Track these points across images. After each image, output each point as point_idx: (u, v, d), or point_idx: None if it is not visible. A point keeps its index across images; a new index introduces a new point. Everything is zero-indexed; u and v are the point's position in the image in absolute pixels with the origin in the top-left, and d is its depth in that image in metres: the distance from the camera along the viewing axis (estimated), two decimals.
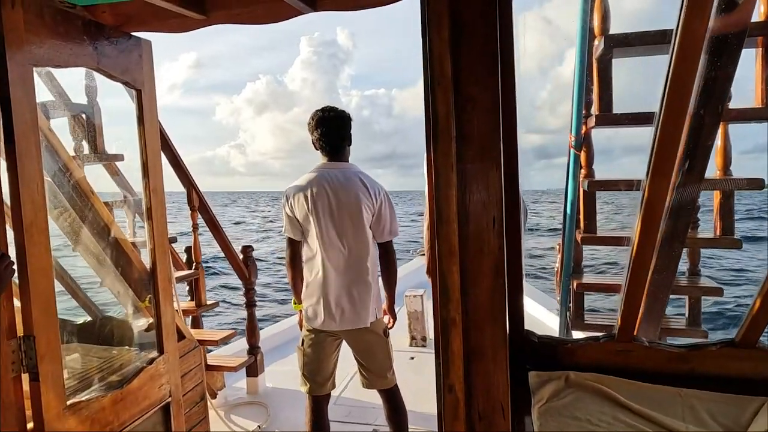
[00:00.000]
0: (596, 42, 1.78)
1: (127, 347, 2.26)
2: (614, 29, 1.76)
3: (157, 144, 2.13)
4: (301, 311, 2.39)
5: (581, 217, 2.14)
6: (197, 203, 3.01)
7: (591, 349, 1.41)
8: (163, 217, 2.13)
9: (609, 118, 1.79)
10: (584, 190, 2.07)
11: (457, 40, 0.96)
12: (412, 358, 3.85)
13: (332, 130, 2.27)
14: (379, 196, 2.26)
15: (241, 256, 3.38)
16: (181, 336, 2.42)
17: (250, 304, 3.41)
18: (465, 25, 0.96)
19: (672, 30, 1.12)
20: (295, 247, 2.33)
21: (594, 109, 1.89)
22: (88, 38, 1.80)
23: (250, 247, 3.40)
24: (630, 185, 1.73)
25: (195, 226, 3.04)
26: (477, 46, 0.95)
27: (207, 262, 12.34)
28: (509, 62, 1.02)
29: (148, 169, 2.06)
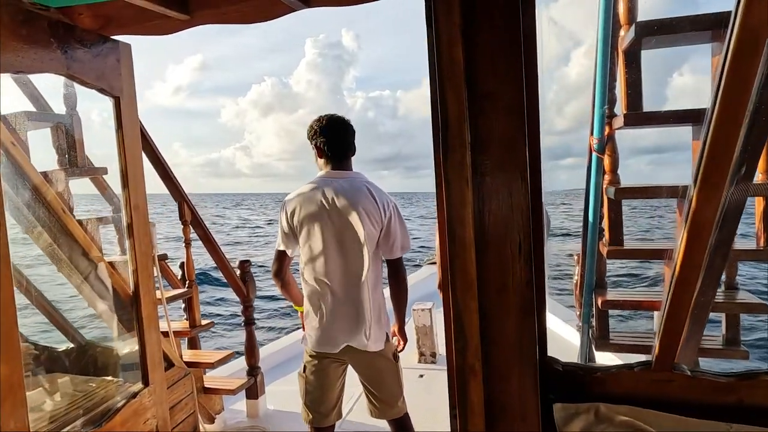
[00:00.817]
0: (622, 32, 1.59)
1: (111, 377, 2.08)
2: None
3: (138, 155, 1.95)
4: (302, 312, 2.20)
5: (606, 226, 1.94)
6: (189, 217, 2.83)
7: (624, 377, 1.21)
8: (147, 236, 1.95)
9: (641, 117, 1.59)
10: (609, 198, 1.86)
11: (470, 23, 0.77)
12: (422, 376, 3.63)
13: (338, 135, 2.08)
14: (388, 209, 2.06)
15: (238, 272, 3.19)
16: (170, 364, 2.23)
17: (249, 322, 3.22)
18: (480, 5, 0.77)
19: (728, 13, 0.93)
20: (283, 261, 2.13)
21: (620, 108, 1.69)
22: (56, 41, 1.63)
23: (247, 261, 3.22)
24: (674, 192, 1.52)
25: (188, 242, 2.86)
26: (496, 29, 0.76)
27: (205, 272, 11.82)
28: (531, 50, 0.83)
29: (128, 183, 1.88)
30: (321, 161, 2.12)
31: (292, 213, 2.04)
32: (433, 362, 3.80)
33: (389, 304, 2.17)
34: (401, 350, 2.22)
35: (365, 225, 1.98)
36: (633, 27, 1.52)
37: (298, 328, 2.21)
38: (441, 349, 3.84)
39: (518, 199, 0.82)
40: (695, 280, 1.17)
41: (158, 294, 2.59)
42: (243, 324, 3.24)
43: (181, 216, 2.81)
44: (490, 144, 0.80)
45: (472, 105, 0.78)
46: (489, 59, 0.76)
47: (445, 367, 0.97)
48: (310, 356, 2.11)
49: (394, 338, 2.20)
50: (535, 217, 0.91)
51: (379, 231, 2.03)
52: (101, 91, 1.82)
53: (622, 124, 1.64)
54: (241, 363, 3.49)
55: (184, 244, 2.86)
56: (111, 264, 2.16)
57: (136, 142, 1.94)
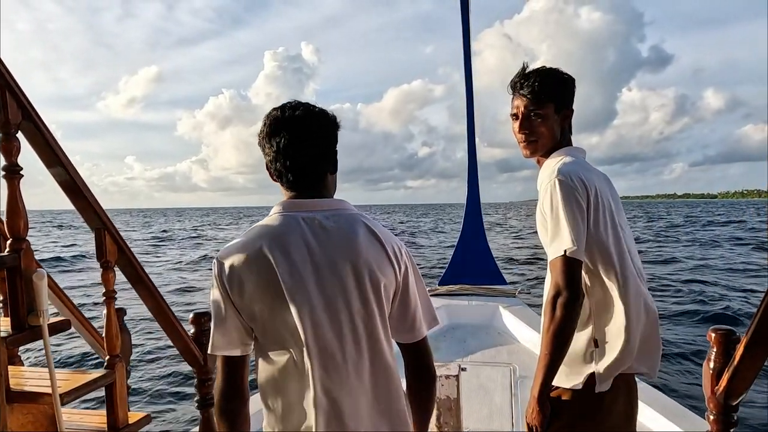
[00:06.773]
0: None
1: None
2: None
3: None
4: None
5: None
6: (114, 256, 1.72)
7: None
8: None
9: None
10: None
11: None
12: None
13: (300, 140, 1.12)
14: (402, 257, 1.18)
15: (191, 330, 2.12)
16: None
17: (205, 404, 2.16)
18: None
19: None
20: (235, 375, 1.12)
21: None
22: None
23: (205, 315, 2.14)
24: None
25: (110, 295, 1.74)
26: None
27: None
28: None
29: None
30: (280, 187, 1.18)
31: (234, 281, 1.06)
32: None
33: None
34: None
35: (371, 287, 1.10)
36: None
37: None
38: (466, 425, 2.90)
39: None
40: None
41: (48, 384, 1.51)
42: (197, 405, 2.18)
43: (100, 254, 1.69)
44: None
45: None
46: None
47: None
48: None
49: None
50: None
51: (390, 294, 1.15)
52: None
53: None
54: None
55: (103, 299, 1.75)
56: None
57: None
